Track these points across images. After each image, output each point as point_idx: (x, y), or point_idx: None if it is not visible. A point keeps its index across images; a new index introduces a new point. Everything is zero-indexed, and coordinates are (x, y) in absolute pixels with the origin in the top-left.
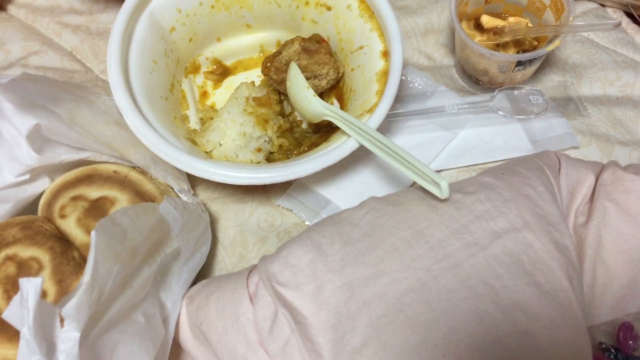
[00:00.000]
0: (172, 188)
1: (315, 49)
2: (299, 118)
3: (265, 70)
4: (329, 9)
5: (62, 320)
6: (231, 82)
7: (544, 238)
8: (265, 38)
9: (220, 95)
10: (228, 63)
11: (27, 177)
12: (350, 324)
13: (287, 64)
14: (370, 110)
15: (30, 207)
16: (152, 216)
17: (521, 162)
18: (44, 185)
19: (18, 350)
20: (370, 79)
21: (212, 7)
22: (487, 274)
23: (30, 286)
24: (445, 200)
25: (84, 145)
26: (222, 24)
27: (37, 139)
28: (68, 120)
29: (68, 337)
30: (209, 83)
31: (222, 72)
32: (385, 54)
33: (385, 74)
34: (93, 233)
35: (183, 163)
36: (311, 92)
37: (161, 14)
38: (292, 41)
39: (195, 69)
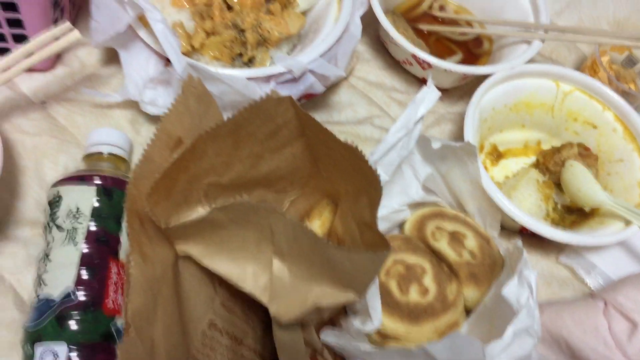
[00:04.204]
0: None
1: (587, 154)
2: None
3: (544, 162)
4: (594, 127)
5: None
6: (505, 164)
7: None
8: (530, 136)
9: (497, 172)
10: (500, 149)
11: (405, 207)
12: None
13: (564, 161)
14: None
15: None
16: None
17: None
18: (406, 215)
19: None
20: (631, 184)
21: (510, 109)
22: None
23: None
24: None
25: (437, 190)
26: (508, 121)
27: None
28: (444, 174)
29: None
30: (487, 161)
31: (496, 155)
32: None
33: None
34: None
35: (519, 217)
36: (599, 187)
37: (484, 109)
38: (571, 145)
39: (480, 150)
